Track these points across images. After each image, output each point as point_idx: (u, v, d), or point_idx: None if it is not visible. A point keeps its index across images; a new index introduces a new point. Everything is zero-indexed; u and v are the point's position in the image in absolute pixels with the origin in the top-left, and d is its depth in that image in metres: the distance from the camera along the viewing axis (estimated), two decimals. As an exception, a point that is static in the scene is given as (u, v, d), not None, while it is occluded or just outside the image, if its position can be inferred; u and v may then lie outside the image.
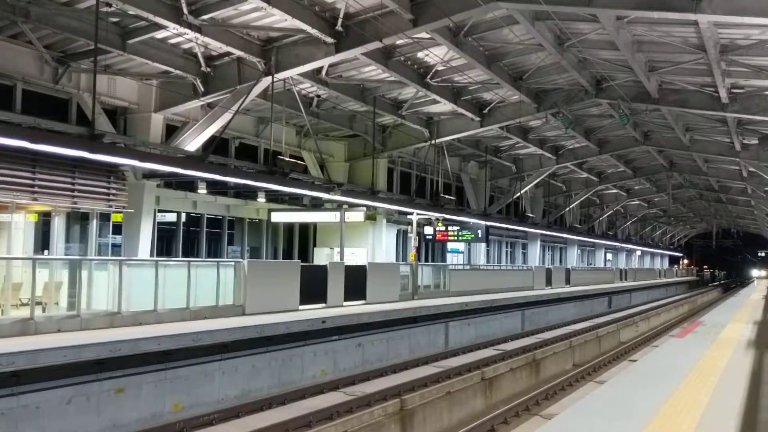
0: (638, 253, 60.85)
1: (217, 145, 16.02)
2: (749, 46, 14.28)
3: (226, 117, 15.72)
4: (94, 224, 14.92)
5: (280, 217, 21.23)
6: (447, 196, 23.53)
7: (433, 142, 22.67)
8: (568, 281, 33.96)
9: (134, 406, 9.82)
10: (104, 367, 9.39)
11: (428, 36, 14.56)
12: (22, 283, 11.59)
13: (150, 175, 15.80)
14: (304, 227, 23.88)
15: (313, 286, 15.85)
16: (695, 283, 71.69)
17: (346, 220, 20.01)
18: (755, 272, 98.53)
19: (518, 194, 31.89)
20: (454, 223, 24.92)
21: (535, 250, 38.57)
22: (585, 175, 34.44)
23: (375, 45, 13.86)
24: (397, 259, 25.15)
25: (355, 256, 22.43)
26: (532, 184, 31.55)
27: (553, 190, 36.13)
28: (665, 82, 18.44)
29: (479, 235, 25.26)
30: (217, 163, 16.81)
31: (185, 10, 12.32)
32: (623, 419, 5.80)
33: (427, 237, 25.66)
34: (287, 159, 16.44)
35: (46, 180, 13.05)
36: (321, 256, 22.61)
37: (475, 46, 16.01)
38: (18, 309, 11.15)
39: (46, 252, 14.62)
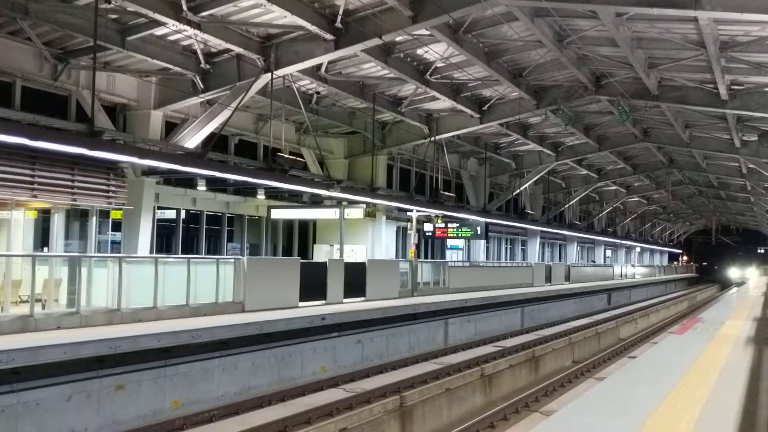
0: (638, 249, 60.85)
1: (216, 142, 16.00)
2: (749, 43, 14.28)
3: (226, 114, 15.72)
4: (93, 221, 14.91)
5: (279, 214, 21.21)
6: (446, 193, 23.51)
7: (432, 138, 22.66)
8: (567, 278, 33.98)
9: (134, 402, 9.83)
10: (104, 364, 9.40)
11: (428, 33, 14.54)
12: (21, 280, 11.60)
13: (149, 172, 15.80)
14: (304, 224, 23.88)
15: (313, 283, 15.86)
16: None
17: (345, 217, 20.00)
18: (734, 271, 76.75)
19: (518, 191, 31.88)
20: (453, 219, 24.92)
21: (534, 247, 38.57)
22: (584, 171, 34.43)
23: (374, 42, 13.85)
24: (396, 256, 25.14)
25: (355, 253, 22.42)
26: (531, 181, 31.54)
27: (553, 186, 36.12)
28: (665, 79, 18.43)
29: (479, 232, 25.26)
30: (217, 160, 16.80)
31: (184, 7, 12.30)
32: (623, 416, 5.80)
33: (427, 234, 25.67)
34: (287, 156, 16.43)
35: (45, 177, 13.03)
36: (320, 253, 22.60)
37: (475, 42, 16.00)
38: (18, 306, 11.16)
39: (45, 249, 14.63)
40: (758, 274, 71.77)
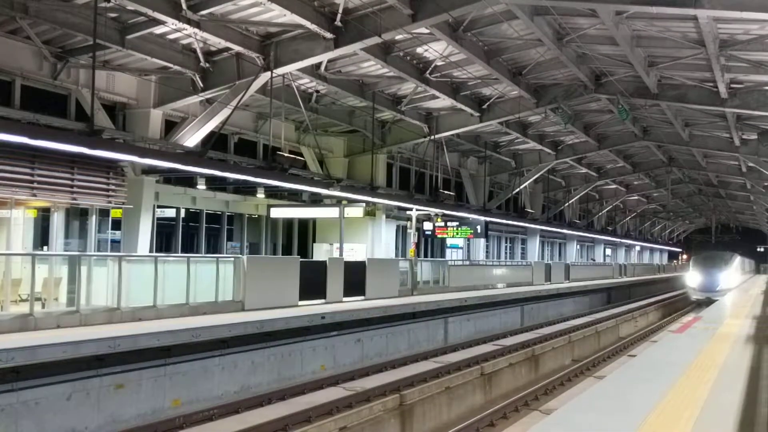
0: (637, 248, 60.88)
1: (216, 140, 16.01)
2: (748, 41, 14.28)
3: (225, 112, 15.72)
4: (93, 220, 14.93)
5: (279, 212, 21.23)
6: (446, 192, 23.52)
7: (432, 137, 22.66)
8: (567, 277, 33.99)
9: (134, 401, 9.83)
10: (104, 362, 9.40)
11: (427, 31, 14.54)
12: (21, 279, 11.60)
13: (149, 170, 15.81)
14: (304, 223, 23.89)
15: (313, 282, 15.87)
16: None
17: (345, 215, 20.01)
18: (693, 279, 34.30)
19: (517, 190, 31.89)
20: (453, 218, 24.93)
21: (534, 246, 38.59)
22: (584, 170, 34.44)
23: (374, 40, 13.85)
24: (396, 255, 25.15)
25: (355, 251, 22.43)
26: (531, 180, 31.55)
27: (553, 185, 36.13)
28: (664, 77, 18.43)
29: (478, 231, 25.27)
30: (217, 159, 16.82)
31: (184, 6, 12.30)
32: (622, 414, 5.80)
33: (427, 233, 25.68)
34: (286, 155, 16.43)
35: (45, 176, 13.05)
36: (320, 252, 22.61)
37: (474, 41, 16.00)
38: (17, 305, 11.16)
39: (45, 248, 14.63)
40: (740, 277, 38.18)
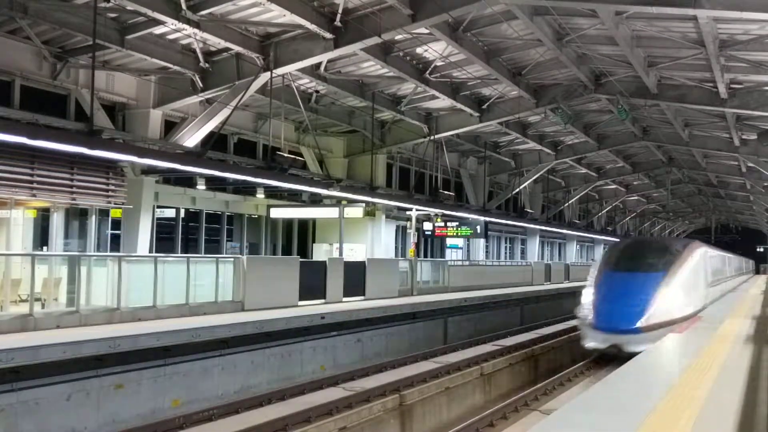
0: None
1: (215, 140, 16.01)
2: (748, 42, 14.28)
3: (225, 113, 15.72)
4: (93, 220, 14.94)
5: (278, 213, 21.23)
6: (446, 192, 23.52)
7: (432, 137, 22.66)
8: (567, 277, 33.98)
9: (133, 401, 9.83)
10: (103, 363, 9.40)
11: (427, 31, 14.54)
12: (21, 279, 11.60)
13: (149, 170, 15.81)
14: (303, 223, 23.89)
15: (312, 282, 15.88)
16: None
17: (345, 215, 20.01)
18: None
19: (517, 190, 31.89)
20: (453, 218, 24.94)
21: (534, 246, 38.59)
22: (584, 170, 34.43)
23: (374, 40, 13.84)
24: (396, 255, 25.14)
25: (354, 251, 22.42)
26: (531, 180, 31.54)
27: (552, 185, 36.13)
28: (664, 78, 18.43)
29: (478, 231, 25.27)
30: (216, 159, 16.81)
31: (184, 6, 12.30)
32: (622, 414, 5.80)
33: (426, 233, 25.69)
34: (286, 155, 16.43)
35: (44, 176, 13.06)
36: (320, 252, 22.60)
37: (474, 41, 15.99)
38: (17, 305, 11.17)
39: (45, 248, 14.63)
40: (704, 293, 15.05)
